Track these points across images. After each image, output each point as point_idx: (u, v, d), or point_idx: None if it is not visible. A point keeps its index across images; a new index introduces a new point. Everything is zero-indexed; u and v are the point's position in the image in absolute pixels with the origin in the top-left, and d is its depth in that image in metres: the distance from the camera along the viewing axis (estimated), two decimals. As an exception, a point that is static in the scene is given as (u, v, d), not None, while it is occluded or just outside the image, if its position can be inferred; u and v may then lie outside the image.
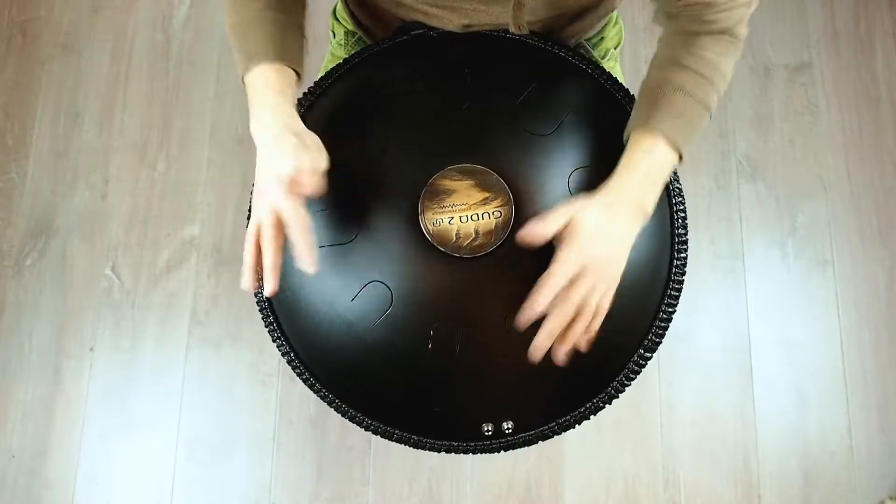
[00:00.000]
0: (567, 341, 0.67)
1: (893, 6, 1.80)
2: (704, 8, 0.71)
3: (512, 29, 0.81)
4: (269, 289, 0.67)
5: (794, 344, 1.59)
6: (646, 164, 0.70)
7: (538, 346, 0.67)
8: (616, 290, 0.69)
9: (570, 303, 0.66)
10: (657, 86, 0.73)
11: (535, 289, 0.66)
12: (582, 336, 0.68)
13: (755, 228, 1.66)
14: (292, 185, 0.66)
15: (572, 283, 0.66)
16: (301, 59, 0.76)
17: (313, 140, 0.70)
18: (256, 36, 0.73)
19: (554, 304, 0.66)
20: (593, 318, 0.68)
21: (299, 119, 0.72)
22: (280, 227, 0.67)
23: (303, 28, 0.79)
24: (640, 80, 0.78)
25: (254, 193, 0.70)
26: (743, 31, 0.76)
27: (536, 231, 0.67)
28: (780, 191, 1.68)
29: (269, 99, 0.71)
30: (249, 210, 0.79)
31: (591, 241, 0.66)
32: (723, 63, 0.74)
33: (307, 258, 0.66)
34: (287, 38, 0.74)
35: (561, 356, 0.67)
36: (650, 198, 0.70)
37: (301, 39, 0.78)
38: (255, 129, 0.71)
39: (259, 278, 0.68)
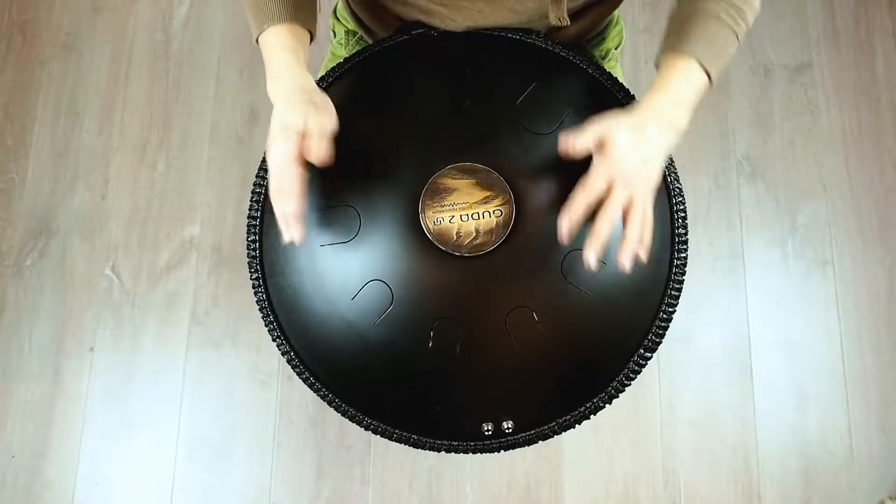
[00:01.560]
0: (626, 249, 0.68)
1: (893, 6, 1.81)
2: None
3: (552, 20, 0.80)
4: (293, 236, 0.68)
5: (794, 344, 1.60)
6: (678, 84, 0.72)
7: (590, 256, 0.67)
8: (616, 289, 0.69)
9: (612, 209, 0.67)
10: (688, 14, 0.75)
11: (572, 194, 0.67)
12: (639, 245, 0.69)
13: (755, 228, 1.66)
14: (298, 141, 0.68)
15: (612, 191, 0.67)
16: (314, 19, 0.78)
17: (324, 101, 0.72)
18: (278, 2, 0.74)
19: (599, 214, 0.67)
20: (644, 228, 0.69)
21: (311, 79, 0.73)
22: (294, 175, 0.68)
23: None
24: (640, 80, 0.78)
25: (266, 148, 0.71)
26: None
27: (572, 141, 0.69)
28: (780, 191, 1.68)
29: (282, 58, 0.73)
30: (250, 209, 0.79)
31: (625, 154, 0.67)
32: None
33: (296, 227, 0.68)
34: (300, 0, 0.75)
35: (625, 263, 0.68)
36: (682, 117, 0.72)
37: (314, 1, 0.79)
38: (270, 89, 0.73)
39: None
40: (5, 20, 1.81)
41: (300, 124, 0.68)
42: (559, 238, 0.67)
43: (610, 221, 0.67)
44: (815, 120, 1.73)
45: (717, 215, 1.67)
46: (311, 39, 0.78)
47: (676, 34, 0.74)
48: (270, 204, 0.77)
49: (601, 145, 0.68)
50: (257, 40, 0.76)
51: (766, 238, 1.65)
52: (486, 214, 0.73)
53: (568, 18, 0.80)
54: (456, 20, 0.81)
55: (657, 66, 0.76)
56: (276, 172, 0.68)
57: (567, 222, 0.67)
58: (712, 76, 0.73)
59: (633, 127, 0.68)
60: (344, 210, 0.75)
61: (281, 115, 0.70)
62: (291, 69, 0.72)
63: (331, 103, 0.73)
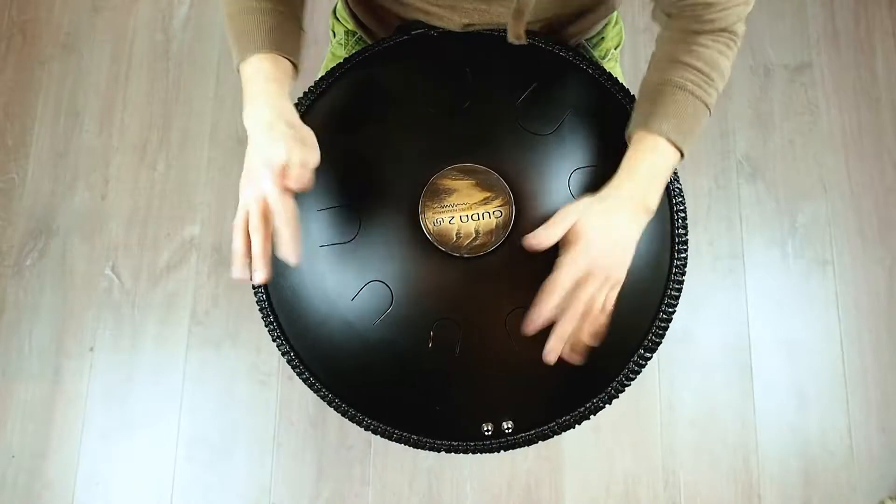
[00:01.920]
0: (578, 341, 0.67)
1: (893, 6, 1.81)
2: (704, 8, 0.71)
3: (510, 37, 0.80)
4: (260, 277, 0.65)
5: (794, 344, 1.59)
6: (648, 163, 0.71)
7: (551, 350, 0.66)
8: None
9: (577, 305, 0.66)
10: (657, 84, 0.74)
11: (540, 294, 0.66)
12: (591, 335, 0.68)
13: (755, 228, 1.66)
14: (280, 176, 0.65)
15: (578, 285, 0.66)
16: (299, 52, 0.75)
17: (308, 134, 0.69)
18: (253, 25, 0.71)
19: (561, 307, 0.66)
20: (601, 316, 0.68)
21: (294, 110, 0.70)
22: (268, 215, 0.66)
23: (301, 21, 0.78)
24: (640, 80, 0.78)
25: (241, 180, 0.69)
26: (741, 28, 0.76)
27: (541, 237, 0.67)
28: (780, 191, 1.68)
29: (264, 88, 0.70)
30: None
31: (595, 243, 0.66)
32: (722, 61, 0.74)
33: (290, 249, 0.65)
34: (285, 29, 0.73)
35: (574, 357, 0.67)
36: (653, 196, 0.71)
37: (299, 32, 0.77)
38: (248, 118, 0.69)
39: (250, 267, 0.66)
40: (5, 20, 1.81)
41: (284, 159, 0.65)
42: (544, 357, 0.66)
43: (574, 321, 0.66)
44: (815, 120, 1.73)
45: (717, 215, 1.67)
46: (295, 72, 0.75)
47: (646, 108, 0.73)
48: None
49: (570, 234, 0.67)
50: (238, 69, 0.73)
51: (766, 238, 1.65)
52: (486, 215, 0.73)
53: (525, 37, 0.80)
54: (454, 19, 0.81)
55: (628, 139, 0.74)
56: (255, 210, 0.65)
57: (531, 327, 0.66)
58: (684, 151, 0.72)
59: (604, 215, 0.67)
60: (344, 211, 0.75)
61: (264, 149, 0.66)
62: (273, 99, 0.69)
63: (314, 137, 0.70)
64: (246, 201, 0.67)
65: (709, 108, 0.74)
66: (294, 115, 0.70)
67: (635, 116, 0.75)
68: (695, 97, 0.72)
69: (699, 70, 0.73)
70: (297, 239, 0.65)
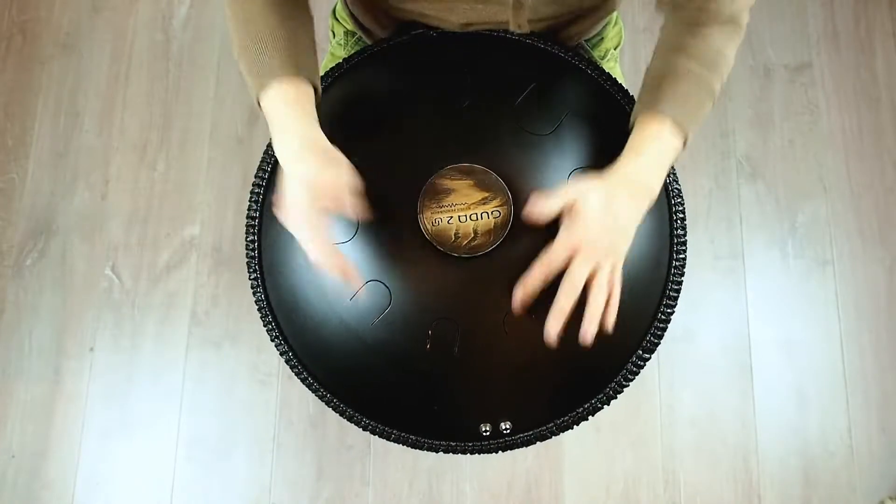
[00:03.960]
0: (588, 322, 0.66)
1: (893, 6, 1.80)
2: None
3: (511, 27, 0.80)
4: (356, 283, 0.69)
5: (794, 344, 1.59)
6: (652, 147, 0.71)
7: (550, 328, 0.66)
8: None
9: (573, 280, 0.66)
10: (663, 71, 0.74)
11: (531, 267, 0.67)
12: (605, 316, 0.67)
13: (755, 228, 1.66)
14: (332, 203, 0.65)
15: (573, 261, 0.66)
16: (318, 74, 0.74)
17: (340, 157, 0.68)
18: (271, 52, 0.69)
19: (561, 285, 0.66)
20: (610, 296, 0.67)
21: (323, 135, 0.69)
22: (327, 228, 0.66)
23: (315, 45, 0.76)
24: (640, 80, 0.78)
25: (289, 213, 0.66)
26: (745, 18, 0.76)
27: (539, 209, 0.67)
28: (780, 191, 1.68)
29: (290, 112, 0.68)
30: (249, 209, 0.79)
31: (594, 222, 0.66)
32: (727, 50, 0.75)
33: (352, 278, 0.67)
34: (302, 55, 0.71)
35: (586, 337, 0.66)
36: (656, 179, 0.71)
37: (315, 56, 0.75)
38: (280, 148, 0.67)
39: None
40: (5, 20, 1.82)
41: (350, 182, 0.66)
42: (513, 310, 0.67)
43: (572, 295, 0.66)
44: (815, 120, 1.73)
45: (717, 215, 1.66)
46: (317, 98, 0.72)
47: (651, 93, 0.73)
48: (269, 204, 0.78)
49: (570, 210, 0.67)
50: (258, 101, 0.70)
51: (766, 238, 1.65)
52: (485, 215, 0.73)
53: (528, 26, 0.80)
54: (450, 20, 0.81)
55: (631, 125, 0.74)
56: (322, 247, 0.64)
57: (521, 294, 0.66)
58: (688, 137, 0.72)
59: (605, 193, 0.67)
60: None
61: (304, 176, 0.64)
62: (301, 122, 0.67)
63: (349, 163, 0.69)
64: (309, 237, 0.65)
65: (713, 96, 0.74)
66: (324, 139, 0.68)
67: (640, 101, 0.75)
68: (700, 84, 0.73)
69: (704, 58, 0.73)
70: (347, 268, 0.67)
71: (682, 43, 0.75)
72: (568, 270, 0.66)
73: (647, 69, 0.78)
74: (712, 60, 0.74)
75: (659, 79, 0.74)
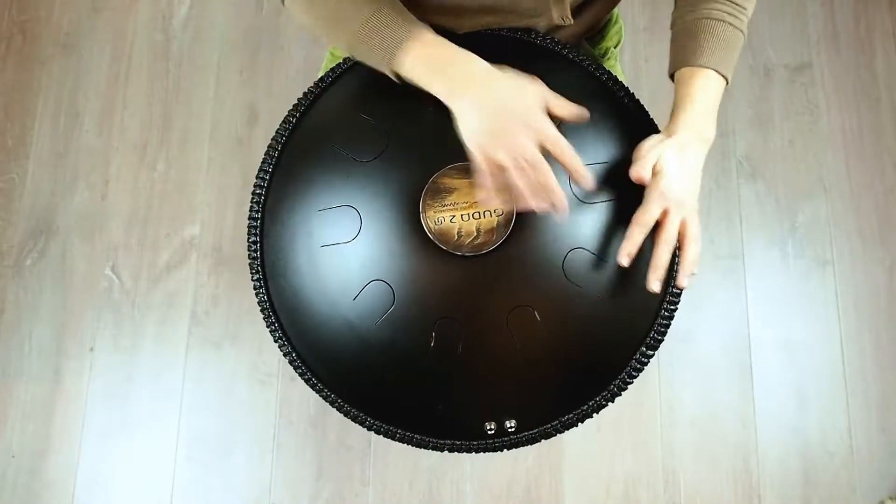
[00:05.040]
0: (685, 270, 0.72)
1: (893, 6, 1.81)
2: None
3: (555, 20, 0.80)
4: (565, 208, 0.66)
5: (794, 344, 1.60)
6: (703, 96, 0.75)
7: (656, 278, 0.69)
8: (618, 288, 0.70)
9: (669, 236, 0.70)
10: (694, 20, 0.77)
11: (630, 226, 0.70)
12: (692, 262, 0.72)
13: (755, 228, 1.66)
14: (546, 115, 0.67)
15: (666, 218, 0.70)
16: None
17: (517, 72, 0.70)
18: (388, 19, 0.69)
19: (655, 238, 0.71)
20: (694, 242, 0.72)
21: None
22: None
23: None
24: (640, 78, 0.79)
25: (486, 136, 0.65)
26: None
27: (641, 170, 0.70)
28: (780, 191, 1.68)
29: (447, 49, 0.69)
30: (251, 210, 0.79)
31: (673, 179, 0.70)
32: None
33: (588, 178, 0.68)
34: (398, 7, 0.71)
35: (685, 284, 0.72)
36: (711, 127, 0.76)
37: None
38: (452, 83, 0.67)
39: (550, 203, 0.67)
40: (5, 20, 1.81)
41: (541, 95, 0.67)
42: (648, 285, 0.69)
43: (670, 248, 0.70)
44: (815, 120, 1.73)
45: (717, 215, 1.67)
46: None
47: (688, 45, 0.77)
48: (270, 205, 0.78)
49: (653, 172, 0.71)
50: (395, 71, 0.70)
51: (766, 238, 1.65)
52: (487, 214, 0.73)
53: (571, 17, 0.80)
54: (463, 26, 0.81)
55: (673, 77, 0.79)
56: (533, 153, 0.64)
57: (627, 258, 0.69)
58: (728, 78, 0.77)
59: (677, 150, 0.71)
60: (345, 210, 0.75)
61: (511, 93, 0.66)
62: (463, 53, 0.68)
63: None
64: (520, 149, 0.64)
65: (744, 33, 0.78)
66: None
67: (676, 53, 0.79)
68: (733, 27, 0.76)
69: (732, 1, 0.77)
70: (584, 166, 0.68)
71: None
72: (662, 227, 0.70)
73: (673, 20, 0.81)
74: (738, 2, 0.77)
75: (692, 29, 0.77)
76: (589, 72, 0.83)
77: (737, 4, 0.77)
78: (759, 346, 1.59)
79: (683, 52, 0.77)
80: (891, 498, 1.51)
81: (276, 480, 1.52)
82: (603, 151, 0.76)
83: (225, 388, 1.57)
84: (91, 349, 1.60)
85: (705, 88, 0.75)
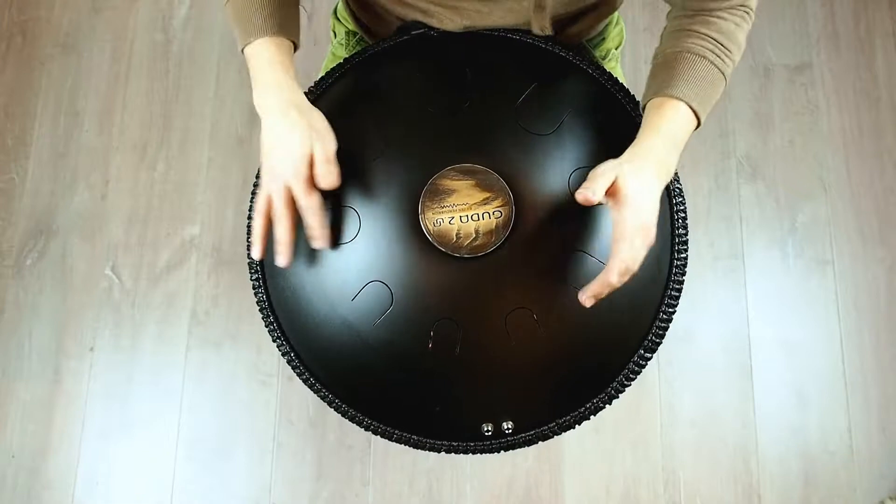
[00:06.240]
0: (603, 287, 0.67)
1: (893, 6, 1.81)
2: None
3: (535, 29, 0.80)
4: (283, 261, 0.70)
5: (794, 344, 1.60)
6: (669, 127, 0.72)
7: (595, 296, 0.66)
8: (616, 290, 0.69)
9: (627, 263, 0.66)
10: (675, 53, 0.75)
11: (609, 268, 0.65)
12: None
13: (755, 228, 1.66)
14: (306, 171, 0.69)
15: (636, 245, 0.67)
16: (298, 31, 0.80)
17: (318, 117, 0.73)
18: (255, 10, 0.75)
19: (616, 265, 0.66)
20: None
21: (303, 94, 0.75)
22: (292, 204, 0.70)
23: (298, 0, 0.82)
24: (640, 80, 0.79)
25: (263, 165, 0.72)
26: (755, 2, 0.77)
27: (593, 191, 0.66)
28: (780, 191, 1.68)
29: (272, 74, 0.74)
30: (250, 210, 0.79)
31: (642, 206, 0.67)
32: (738, 33, 0.76)
33: (323, 240, 0.71)
34: (283, 13, 0.76)
35: (588, 301, 0.67)
36: (673, 159, 0.72)
37: (297, 11, 0.81)
38: (259, 102, 0.74)
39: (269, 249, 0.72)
40: (5, 20, 1.81)
41: (306, 154, 0.69)
42: (583, 300, 0.67)
43: (624, 278, 0.66)
44: (815, 120, 1.73)
45: (717, 215, 1.67)
46: (295, 50, 0.79)
47: (664, 76, 0.74)
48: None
49: (616, 194, 0.67)
50: (243, 51, 0.77)
51: (766, 238, 1.65)
52: (486, 215, 0.73)
53: (551, 28, 0.80)
54: (454, 20, 0.81)
55: (643, 107, 0.75)
56: (280, 198, 0.69)
57: (594, 298, 0.66)
58: (701, 118, 0.73)
59: (639, 177, 0.67)
60: (344, 211, 0.75)
61: (283, 140, 0.70)
62: (280, 84, 0.73)
63: (326, 122, 0.74)
64: (271, 190, 0.70)
65: (725, 79, 0.76)
66: (304, 100, 0.74)
67: (652, 84, 0.76)
68: (714, 66, 0.74)
69: (716, 40, 0.74)
70: (326, 229, 0.71)
71: (694, 26, 0.75)
72: (634, 255, 0.66)
73: (657, 52, 0.79)
74: (724, 43, 0.75)
75: (672, 61, 0.75)
76: (588, 74, 0.83)
77: (722, 45, 0.74)
78: (759, 346, 1.59)
79: (656, 83, 0.75)
80: (891, 498, 1.51)
81: (276, 480, 1.52)
82: (602, 154, 0.76)
83: (225, 388, 1.57)
84: (91, 349, 1.60)
85: (672, 119, 0.72)
